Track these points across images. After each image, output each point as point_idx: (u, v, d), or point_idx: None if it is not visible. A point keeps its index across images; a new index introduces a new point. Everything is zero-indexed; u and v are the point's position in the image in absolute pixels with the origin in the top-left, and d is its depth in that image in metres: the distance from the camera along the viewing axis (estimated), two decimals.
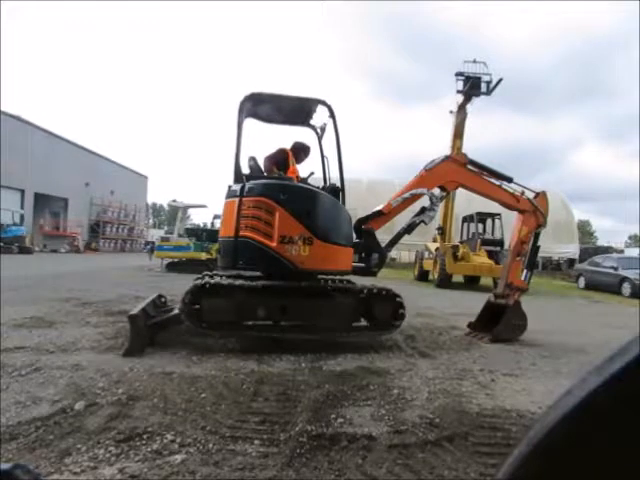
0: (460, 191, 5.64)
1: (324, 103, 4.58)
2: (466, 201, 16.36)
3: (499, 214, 13.53)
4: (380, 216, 4.76)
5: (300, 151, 5.00)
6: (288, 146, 4.94)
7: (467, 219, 14.75)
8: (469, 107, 15.49)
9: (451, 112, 15.85)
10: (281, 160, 4.72)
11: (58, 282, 8.91)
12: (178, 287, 6.51)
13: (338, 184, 4.64)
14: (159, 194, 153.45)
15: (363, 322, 4.49)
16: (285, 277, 4.09)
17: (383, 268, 4.90)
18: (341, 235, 4.31)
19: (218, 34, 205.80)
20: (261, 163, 4.73)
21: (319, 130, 5.15)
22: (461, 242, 13.91)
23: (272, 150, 4.79)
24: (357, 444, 2.20)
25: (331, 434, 2.29)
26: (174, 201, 19.23)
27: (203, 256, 13.93)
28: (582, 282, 15.59)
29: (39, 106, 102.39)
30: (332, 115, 4.54)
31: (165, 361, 3.51)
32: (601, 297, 12.52)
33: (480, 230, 14.44)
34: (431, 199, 4.81)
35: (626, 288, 13.17)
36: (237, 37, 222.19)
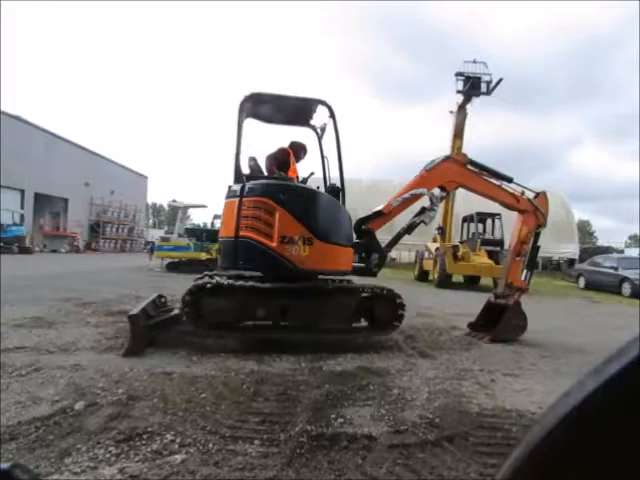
0: (460, 191, 5.64)
1: (324, 103, 4.58)
2: (466, 201, 16.37)
3: (499, 214, 13.53)
4: (380, 216, 4.76)
5: (300, 150, 5.01)
6: (286, 146, 4.94)
7: (467, 219, 14.75)
8: (469, 107, 15.51)
9: (451, 112, 15.87)
10: (282, 160, 4.72)
11: (58, 282, 8.91)
12: (178, 287, 6.51)
13: (338, 184, 4.64)
14: (159, 194, 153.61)
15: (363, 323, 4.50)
16: (285, 277, 4.09)
17: (383, 268, 4.90)
18: (341, 235, 4.31)
19: (218, 34, 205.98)
20: (261, 163, 4.73)
21: (319, 130, 5.15)
22: (461, 242, 13.91)
23: (273, 150, 4.80)
24: (357, 444, 2.20)
25: (331, 434, 2.29)
26: (174, 201, 19.27)
27: (203, 256, 13.92)
28: (582, 282, 15.58)
29: (39, 106, 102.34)
30: (332, 115, 4.54)
31: (165, 361, 3.51)
32: (601, 297, 12.51)
33: (480, 230, 14.44)
34: (431, 199, 4.81)
35: (626, 288, 13.16)
36: (237, 37, 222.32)
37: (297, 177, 4.84)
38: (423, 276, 14.43)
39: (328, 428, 2.36)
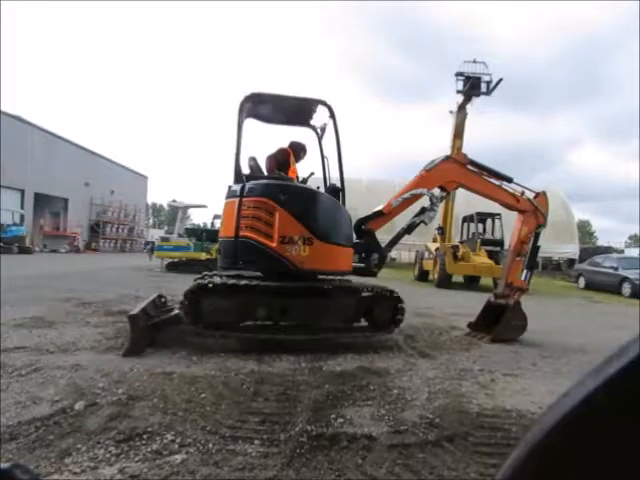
0: (460, 191, 5.64)
1: (324, 103, 4.58)
2: (466, 201, 16.37)
3: (499, 214, 13.53)
4: (380, 216, 4.76)
5: (300, 150, 5.01)
6: (286, 146, 4.94)
7: (467, 219, 14.75)
8: (469, 107, 15.50)
9: (451, 112, 15.86)
10: (282, 160, 4.72)
11: (58, 282, 8.91)
12: (178, 287, 6.51)
13: (338, 184, 4.64)
14: (159, 194, 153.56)
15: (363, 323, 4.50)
16: (285, 277, 4.09)
17: (383, 268, 4.90)
18: (341, 235, 4.31)
19: (218, 34, 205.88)
20: (261, 163, 4.73)
21: (319, 130, 5.15)
22: (461, 242, 13.91)
23: (273, 150, 4.80)
24: (357, 444, 2.20)
25: (331, 434, 2.29)
26: (174, 201, 19.24)
27: (203, 256, 13.92)
28: (582, 282, 15.58)
29: (39, 106, 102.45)
30: (332, 115, 4.54)
31: (165, 361, 3.51)
32: (601, 297, 12.51)
33: (480, 230, 14.44)
34: (431, 199, 4.81)
35: (626, 288, 13.16)
36: (237, 37, 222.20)
37: (297, 177, 4.84)
38: (423, 276, 14.43)
39: (328, 428, 2.36)
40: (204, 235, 14.90)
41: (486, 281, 13.02)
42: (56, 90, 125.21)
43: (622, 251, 33.52)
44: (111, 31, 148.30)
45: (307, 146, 5.11)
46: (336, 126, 4.52)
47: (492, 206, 6.62)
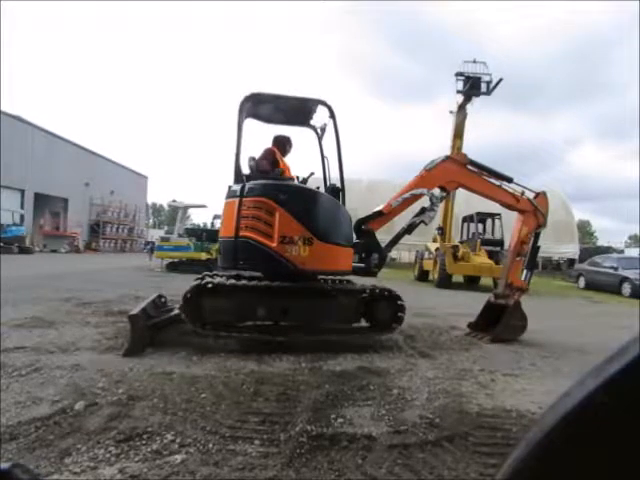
0: (460, 191, 5.64)
1: (324, 103, 4.57)
2: (466, 201, 16.37)
3: (499, 214, 13.53)
4: (380, 216, 4.76)
5: (285, 144, 4.91)
6: (270, 145, 4.85)
7: (467, 219, 14.75)
8: (469, 107, 15.50)
9: (451, 112, 15.85)
10: (271, 159, 4.68)
11: (58, 282, 8.91)
12: (178, 287, 6.51)
13: (338, 184, 4.63)
14: (159, 194, 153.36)
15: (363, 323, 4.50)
16: (285, 277, 4.09)
17: (383, 268, 4.90)
18: (341, 235, 4.31)
19: (218, 34, 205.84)
20: None
21: (319, 130, 5.14)
22: (461, 242, 13.91)
23: (260, 152, 4.74)
24: (357, 444, 2.20)
25: (331, 434, 2.29)
26: (174, 201, 19.19)
27: (203, 256, 13.93)
28: (582, 282, 15.58)
29: (39, 106, 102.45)
30: (332, 115, 4.54)
31: (165, 361, 3.51)
32: (601, 297, 12.51)
33: (480, 230, 14.44)
34: (431, 199, 4.81)
35: (626, 288, 13.16)
36: (236, 37, 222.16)
37: (294, 176, 4.80)
38: (423, 276, 14.44)
39: (328, 428, 2.36)
40: (204, 235, 14.89)
41: (486, 281, 13.02)
42: (56, 90, 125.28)
43: (622, 251, 33.51)
44: (111, 30, 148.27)
45: (292, 139, 4.95)
46: (336, 126, 4.52)
47: (492, 206, 6.62)
